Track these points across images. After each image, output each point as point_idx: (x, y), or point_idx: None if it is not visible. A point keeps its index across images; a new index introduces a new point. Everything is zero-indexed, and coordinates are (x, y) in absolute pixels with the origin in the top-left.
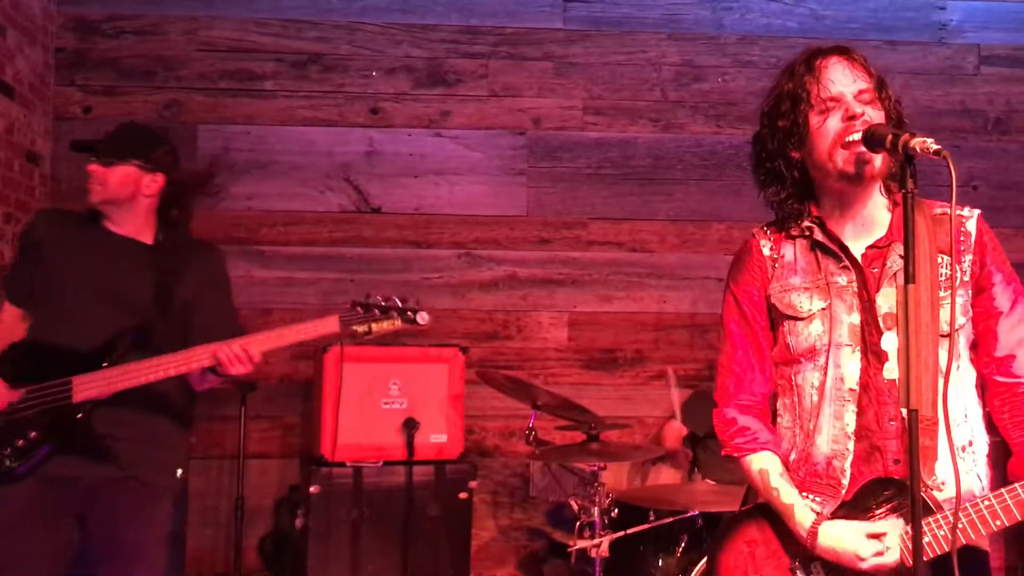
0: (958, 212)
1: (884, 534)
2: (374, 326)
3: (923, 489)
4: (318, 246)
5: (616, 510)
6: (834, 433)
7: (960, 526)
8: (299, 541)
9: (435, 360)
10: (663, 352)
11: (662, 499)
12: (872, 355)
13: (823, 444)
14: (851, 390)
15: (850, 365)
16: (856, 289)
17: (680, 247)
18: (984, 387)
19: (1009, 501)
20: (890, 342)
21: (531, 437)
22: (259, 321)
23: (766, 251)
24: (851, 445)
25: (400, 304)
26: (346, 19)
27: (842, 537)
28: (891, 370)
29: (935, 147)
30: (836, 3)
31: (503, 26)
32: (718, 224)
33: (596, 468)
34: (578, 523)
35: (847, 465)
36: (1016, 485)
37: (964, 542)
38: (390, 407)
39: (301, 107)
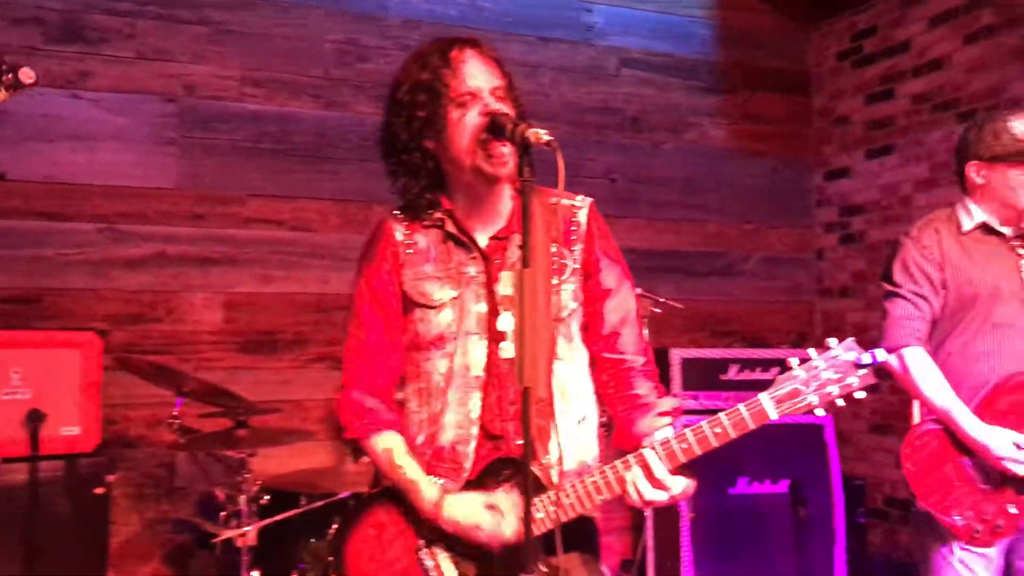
0: (571, 202)
1: (498, 507)
2: None
3: (537, 466)
4: None
5: (267, 496)
6: (459, 418)
7: (569, 501)
8: None
9: (65, 345)
10: (324, 334)
11: (312, 483)
12: (494, 342)
13: (448, 429)
14: (476, 377)
15: (476, 352)
16: (484, 280)
17: (344, 227)
18: (593, 365)
19: (610, 477)
20: (506, 323)
21: (176, 426)
22: None
23: (399, 236)
24: (475, 430)
25: None
26: None
27: (464, 508)
28: (508, 350)
29: (547, 137)
30: None
31: None
32: (380, 206)
33: (244, 455)
34: (223, 512)
35: (470, 449)
36: (617, 462)
37: (571, 516)
38: (11, 398)
39: None
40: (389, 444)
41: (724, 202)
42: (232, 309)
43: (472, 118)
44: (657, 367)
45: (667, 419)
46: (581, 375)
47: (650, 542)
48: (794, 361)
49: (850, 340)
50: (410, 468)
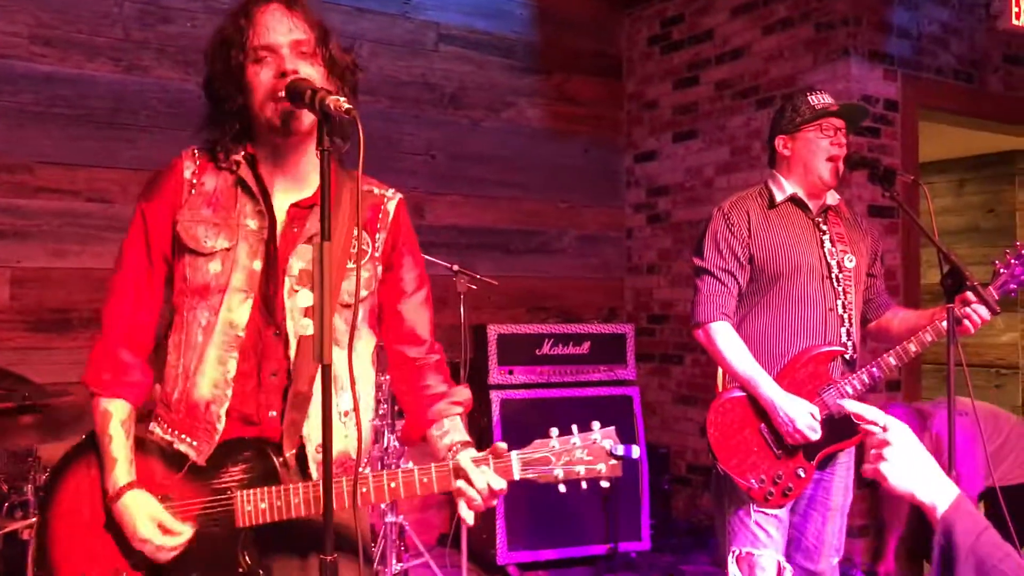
0: (382, 191)
1: (175, 532)
2: None
3: (280, 459)
4: None
5: None
6: (215, 377)
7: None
8: None
9: None
10: None
11: None
12: (265, 306)
13: (204, 387)
14: (238, 336)
15: (241, 311)
16: (265, 237)
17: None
18: (390, 361)
19: (434, 476)
20: (302, 300)
21: None
22: None
23: (187, 174)
24: (229, 392)
25: None
26: None
27: (134, 513)
28: (304, 327)
29: (347, 106)
30: None
31: None
32: None
33: (31, 443)
34: (7, 504)
35: (223, 411)
36: (387, 472)
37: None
38: None
39: None
40: (111, 409)
41: (540, 181)
42: (20, 285)
43: (266, 77)
44: (448, 366)
45: (460, 408)
46: (361, 364)
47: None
48: (554, 432)
49: (611, 429)
50: (117, 442)
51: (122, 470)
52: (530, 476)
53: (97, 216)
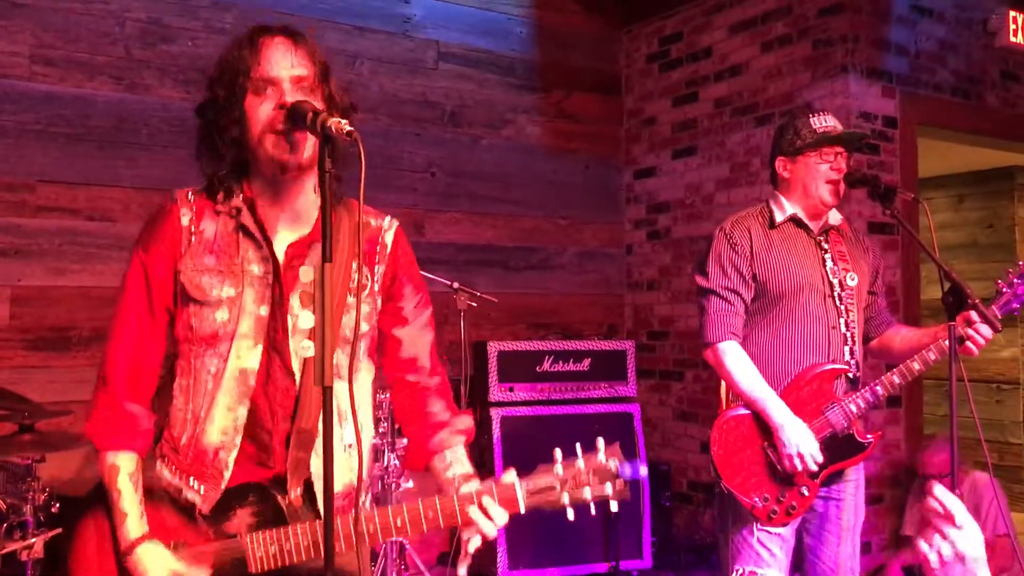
0: (378, 222)
1: None
2: None
3: (285, 500)
4: None
5: (57, 505)
6: (225, 424)
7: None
8: None
9: None
10: None
11: None
12: (275, 351)
13: (213, 433)
14: (249, 385)
15: (251, 358)
16: (270, 281)
17: (146, 218)
18: (391, 387)
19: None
20: (305, 321)
21: None
22: None
23: (184, 221)
24: (238, 439)
25: None
26: None
27: (148, 567)
28: (305, 349)
29: (348, 128)
30: None
31: None
32: None
33: (30, 462)
34: (5, 524)
35: (231, 459)
36: (392, 507)
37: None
38: None
39: None
40: (118, 463)
41: (540, 198)
42: (20, 304)
43: (266, 110)
44: (451, 388)
45: (462, 437)
46: (361, 395)
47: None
48: (558, 455)
49: (615, 446)
50: (127, 496)
51: (133, 523)
52: (535, 504)
53: (98, 235)
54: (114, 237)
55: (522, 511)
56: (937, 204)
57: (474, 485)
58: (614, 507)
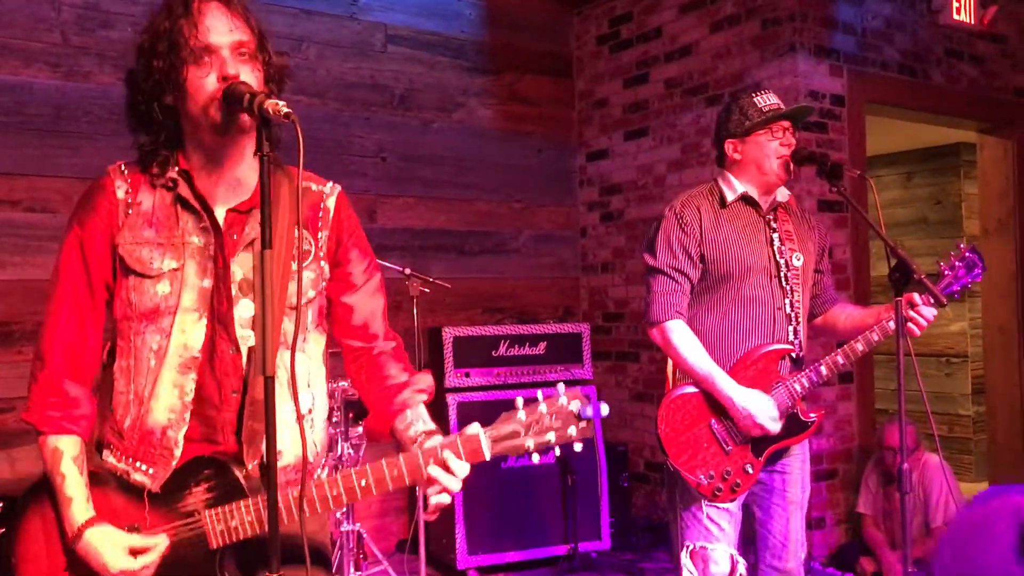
0: (320, 187)
1: (148, 549)
2: None
3: (243, 471)
4: None
5: (1, 504)
6: (171, 402)
7: (336, 492)
8: None
9: None
10: None
11: None
12: (219, 324)
13: (159, 412)
14: (193, 358)
15: (195, 332)
16: (212, 252)
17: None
18: (345, 357)
19: (404, 468)
20: (244, 309)
21: None
22: None
23: (120, 194)
24: (187, 415)
25: None
26: None
27: (100, 548)
28: (246, 339)
29: (286, 110)
30: None
31: None
32: None
33: None
34: None
35: (181, 436)
36: (355, 469)
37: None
38: None
39: None
40: (60, 447)
41: (493, 181)
42: None
43: (211, 83)
44: (406, 351)
45: (423, 395)
46: (313, 365)
47: (423, 520)
48: (519, 402)
49: (576, 389)
50: (71, 480)
51: (79, 507)
52: (501, 452)
53: (39, 227)
54: (55, 229)
55: (487, 458)
56: (887, 181)
57: (437, 440)
58: (578, 448)
